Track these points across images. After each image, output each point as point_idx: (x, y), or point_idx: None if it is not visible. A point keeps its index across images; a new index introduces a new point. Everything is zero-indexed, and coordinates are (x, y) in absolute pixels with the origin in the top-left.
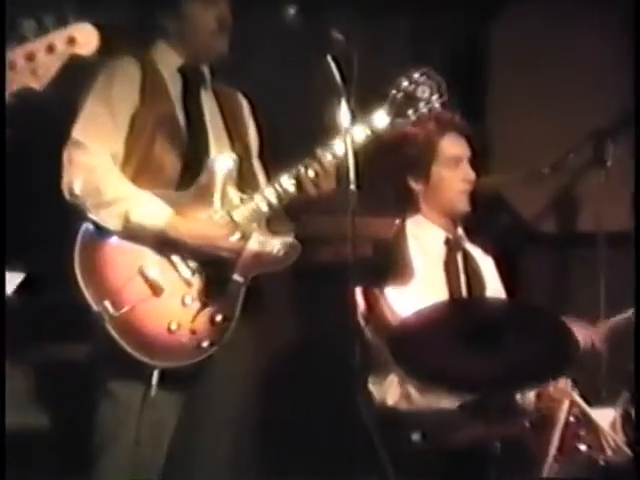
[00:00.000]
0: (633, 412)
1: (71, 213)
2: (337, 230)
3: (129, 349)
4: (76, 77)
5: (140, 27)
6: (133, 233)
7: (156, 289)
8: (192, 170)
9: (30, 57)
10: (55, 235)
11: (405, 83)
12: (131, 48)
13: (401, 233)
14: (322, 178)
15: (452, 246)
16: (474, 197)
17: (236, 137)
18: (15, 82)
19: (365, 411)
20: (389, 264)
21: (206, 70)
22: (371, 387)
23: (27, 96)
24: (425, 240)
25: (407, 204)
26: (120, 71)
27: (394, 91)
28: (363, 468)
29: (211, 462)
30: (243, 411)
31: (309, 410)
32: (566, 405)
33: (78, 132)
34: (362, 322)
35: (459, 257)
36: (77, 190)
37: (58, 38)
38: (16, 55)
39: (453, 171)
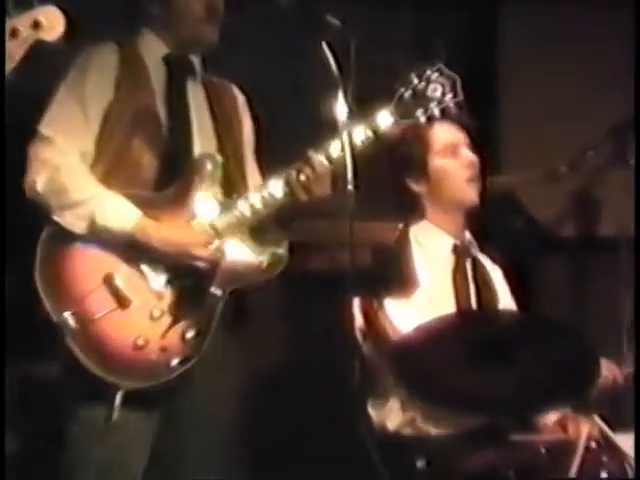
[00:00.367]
0: None
1: (33, 214)
2: (333, 235)
3: (91, 366)
4: (45, 64)
5: (125, 14)
6: (99, 237)
7: (122, 300)
8: (172, 170)
9: None
10: (18, 238)
11: (415, 80)
12: (113, 36)
13: (404, 239)
14: (314, 182)
15: (460, 253)
16: (484, 197)
17: (225, 134)
18: None
19: (367, 437)
20: (390, 273)
21: (196, 61)
22: (371, 410)
23: None
24: (430, 247)
25: (411, 210)
26: (96, 59)
27: (402, 89)
28: None
29: None
30: (227, 432)
31: (302, 434)
32: (586, 429)
33: (46, 126)
34: (360, 337)
35: (468, 265)
36: (40, 188)
37: (22, 22)
38: None
39: (451, 160)
